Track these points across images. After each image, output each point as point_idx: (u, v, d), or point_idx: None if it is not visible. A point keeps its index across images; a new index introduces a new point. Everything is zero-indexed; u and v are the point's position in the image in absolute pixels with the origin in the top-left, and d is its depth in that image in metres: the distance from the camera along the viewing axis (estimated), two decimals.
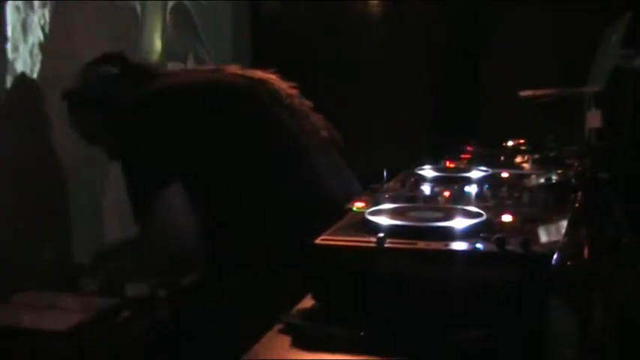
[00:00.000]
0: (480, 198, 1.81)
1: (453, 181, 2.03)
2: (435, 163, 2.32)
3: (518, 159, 2.51)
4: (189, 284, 2.42)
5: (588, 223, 1.13)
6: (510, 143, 2.93)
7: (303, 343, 1.32)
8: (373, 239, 1.38)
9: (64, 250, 2.72)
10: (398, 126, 4.22)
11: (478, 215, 1.51)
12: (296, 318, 1.40)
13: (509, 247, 1.33)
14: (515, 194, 1.84)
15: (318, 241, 1.42)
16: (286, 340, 1.34)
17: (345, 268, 1.39)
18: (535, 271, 1.27)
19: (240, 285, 2.15)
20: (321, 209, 1.73)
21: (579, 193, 1.19)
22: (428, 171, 2.13)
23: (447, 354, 1.23)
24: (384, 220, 1.48)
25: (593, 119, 2.59)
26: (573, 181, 1.22)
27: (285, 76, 2.40)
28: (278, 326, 1.38)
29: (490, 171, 2.15)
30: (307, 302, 1.48)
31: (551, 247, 1.29)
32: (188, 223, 2.26)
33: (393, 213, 1.55)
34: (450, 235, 1.41)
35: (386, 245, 1.37)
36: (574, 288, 1.08)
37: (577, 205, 1.12)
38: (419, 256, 1.35)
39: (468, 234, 1.41)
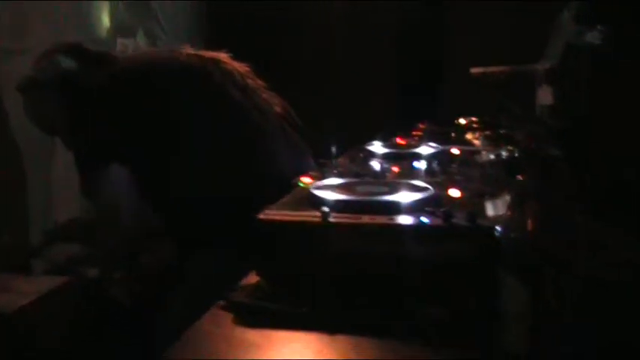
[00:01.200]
0: (428, 173, 1.79)
1: (402, 157, 2.01)
2: (386, 140, 2.29)
3: (469, 136, 2.50)
4: (144, 264, 2.38)
5: (534, 197, 1.11)
6: (463, 121, 2.92)
7: (245, 320, 1.28)
8: (318, 214, 1.35)
9: (19, 233, 2.66)
10: (356, 105, 4.19)
11: (425, 190, 1.49)
12: (239, 295, 1.36)
13: (455, 221, 1.31)
14: (465, 170, 1.83)
15: (261, 216, 1.39)
16: (229, 317, 1.31)
17: (288, 243, 1.35)
18: (481, 244, 1.25)
19: (196, 265, 2.12)
20: (275, 188, 1.70)
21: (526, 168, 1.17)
22: (377, 147, 2.11)
23: (394, 328, 1.21)
24: (329, 195, 1.45)
25: (545, 96, 2.58)
26: (520, 155, 1.20)
27: (239, 57, 2.36)
28: (221, 303, 1.35)
29: (440, 147, 2.13)
30: (252, 279, 1.45)
31: (497, 220, 1.27)
32: (139, 203, 2.22)
33: (338, 188, 1.52)
34: (395, 209, 1.38)
35: (330, 220, 1.33)
36: (521, 261, 1.06)
37: (523, 178, 1.10)
38: (364, 231, 1.32)
39: (414, 208, 1.39)
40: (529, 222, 1.07)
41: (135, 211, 2.22)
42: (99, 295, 2.20)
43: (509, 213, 1.09)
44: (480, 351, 1.08)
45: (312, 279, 1.34)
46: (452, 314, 1.22)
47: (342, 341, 1.19)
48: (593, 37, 2.13)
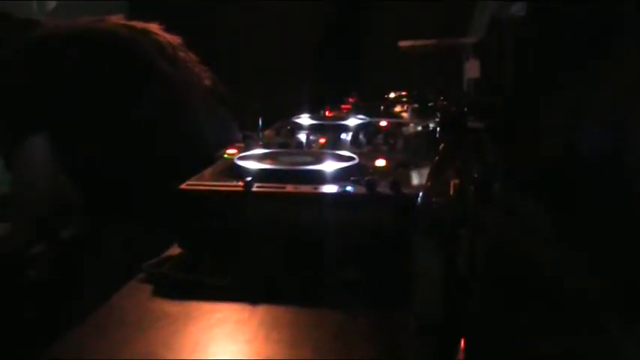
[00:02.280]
0: (355, 145, 1.78)
1: (329, 129, 1.99)
2: (314, 113, 2.28)
3: (398, 108, 2.50)
4: (62, 239, 2.31)
5: (452, 165, 1.10)
6: (392, 95, 2.92)
7: (165, 291, 1.25)
8: (240, 184, 1.33)
9: None
10: (282, 80, 4.16)
11: (349, 159, 1.48)
12: (158, 267, 1.33)
13: (378, 189, 1.30)
14: (391, 141, 1.82)
15: (183, 186, 1.35)
16: (148, 288, 1.28)
17: (211, 214, 1.33)
18: (404, 212, 1.24)
19: (114, 239, 2.08)
20: (198, 161, 1.67)
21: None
22: (305, 119, 2.09)
23: (317, 297, 1.20)
24: (252, 165, 1.42)
25: (472, 69, 2.60)
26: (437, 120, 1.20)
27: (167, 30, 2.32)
28: (140, 275, 1.31)
29: (367, 119, 2.12)
30: (173, 251, 1.42)
31: (420, 189, 1.26)
32: (58, 176, 2.17)
33: (262, 158, 1.49)
34: (319, 178, 1.37)
35: (253, 189, 1.31)
36: (440, 227, 1.06)
37: (442, 146, 1.09)
38: (287, 200, 1.30)
39: (338, 177, 1.37)
40: (447, 188, 1.07)
41: (53, 184, 2.17)
42: (15, 269, 2.14)
43: (429, 180, 1.09)
44: (396, 315, 1.08)
45: (235, 249, 1.31)
46: (371, 279, 1.21)
47: (263, 312, 1.17)
48: (515, 9, 2.15)
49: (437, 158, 1.09)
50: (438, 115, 1.12)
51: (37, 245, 2.22)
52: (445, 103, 1.17)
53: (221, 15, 4.29)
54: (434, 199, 1.08)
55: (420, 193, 1.09)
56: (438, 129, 1.14)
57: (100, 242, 2.15)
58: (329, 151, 1.56)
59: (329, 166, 1.41)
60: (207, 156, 1.84)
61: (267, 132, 1.94)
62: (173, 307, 1.21)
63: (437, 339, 1.06)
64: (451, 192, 1.08)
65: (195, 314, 1.17)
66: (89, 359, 1.02)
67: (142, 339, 1.07)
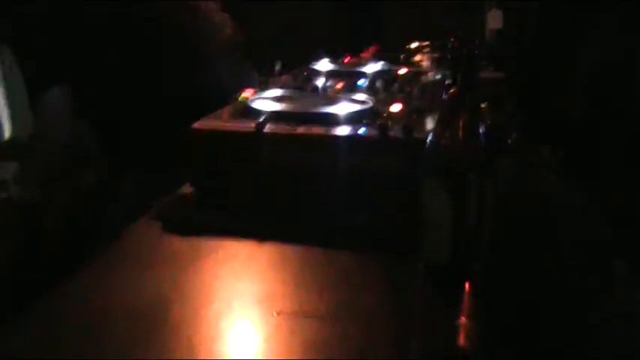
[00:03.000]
0: (371, 91, 1.75)
1: (347, 75, 1.97)
2: (333, 59, 2.25)
3: (418, 58, 2.46)
4: (85, 186, 2.33)
5: (463, 108, 1.08)
6: (414, 45, 2.88)
7: (174, 229, 1.26)
8: (252, 124, 1.32)
9: None
10: (305, 29, 4.12)
11: (364, 103, 1.46)
12: (169, 206, 1.33)
13: (390, 133, 1.28)
14: (408, 89, 1.80)
15: (195, 125, 1.35)
16: (158, 227, 1.28)
17: (223, 153, 1.32)
18: (415, 156, 1.23)
19: (131, 183, 2.10)
20: (214, 104, 1.67)
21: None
22: (322, 65, 2.07)
23: (325, 238, 1.19)
24: (266, 106, 1.41)
25: (494, 20, 2.55)
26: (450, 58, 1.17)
27: None
28: (150, 214, 1.32)
29: (386, 67, 2.10)
30: (185, 190, 1.42)
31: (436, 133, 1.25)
32: (77, 123, 2.18)
33: (276, 100, 1.48)
34: (332, 120, 1.35)
35: (265, 130, 1.30)
36: (449, 171, 1.05)
37: (453, 90, 1.08)
38: (299, 141, 1.29)
39: (351, 120, 1.36)
40: (458, 132, 1.05)
41: (73, 132, 2.18)
42: (33, 214, 2.15)
43: (438, 123, 1.07)
44: (404, 257, 1.07)
45: (246, 189, 1.31)
46: (380, 222, 1.21)
47: (271, 250, 1.17)
48: None
49: (447, 101, 1.08)
50: (449, 56, 1.10)
51: (54, 191, 2.24)
52: (457, 44, 1.15)
53: None
54: (443, 142, 1.06)
55: (429, 136, 1.08)
56: (449, 71, 1.13)
57: (120, 187, 2.17)
58: (343, 95, 1.54)
59: (342, 109, 1.39)
60: (224, 100, 1.83)
61: (284, 77, 1.92)
62: (181, 244, 1.21)
63: (443, 281, 1.06)
64: (460, 136, 1.07)
65: (203, 252, 1.18)
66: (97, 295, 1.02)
67: (147, 278, 1.07)
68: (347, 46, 3.01)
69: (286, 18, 4.18)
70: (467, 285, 1.05)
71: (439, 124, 1.07)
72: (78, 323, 0.92)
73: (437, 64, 2.32)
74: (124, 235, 1.23)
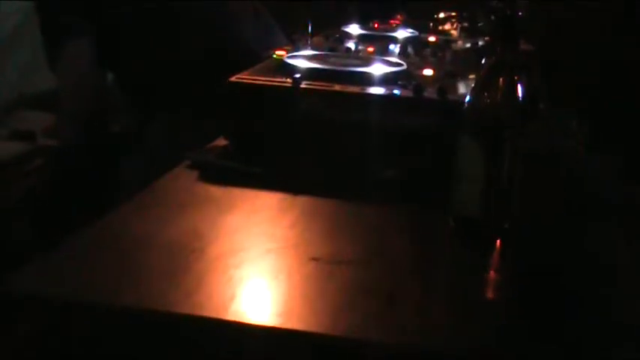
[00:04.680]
0: (403, 55, 1.78)
1: (377, 39, 1.99)
2: (363, 24, 2.27)
3: (447, 26, 2.48)
4: (112, 133, 2.37)
5: (503, 69, 1.11)
6: (442, 15, 2.89)
7: (209, 176, 1.29)
8: (289, 80, 1.35)
9: None
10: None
11: (398, 65, 1.49)
12: (204, 154, 1.37)
13: (425, 94, 1.31)
14: (439, 54, 1.82)
15: (233, 78, 1.38)
16: (192, 174, 1.32)
17: (259, 107, 1.35)
18: (449, 117, 1.25)
19: (162, 131, 2.13)
20: (246, 60, 1.69)
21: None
22: (353, 28, 2.09)
23: (357, 192, 1.23)
24: (301, 63, 1.44)
25: None
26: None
27: None
28: (184, 162, 1.35)
29: (417, 33, 2.12)
30: (219, 142, 1.45)
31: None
32: (101, 73, 2.21)
33: (312, 58, 1.51)
34: (367, 80, 1.38)
35: (302, 86, 1.33)
36: (488, 128, 1.08)
37: (494, 56, 1.10)
38: (334, 98, 1.32)
39: (386, 80, 1.39)
40: (497, 92, 1.08)
41: (97, 81, 2.21)
42: (63, 162, 2.19)
43: (478, 82, 1.10)
44: (435, 212, 1.11)
45: (281, 143, 1.34)
46: (412, 179, 1.24)
47: (304, 202, 1.20)
48: None
49: (488, 61, 1.10)
50: (492, 17, 1.12)
51: (83, 139, 2.27)
52: (500, 5, 1.17)
53: None
54: (482, 101, 1.09)
55: (467, 95, 1.10)
56: (490, 32, 1.15)
57: (148, 136, 2.20)
58: (377, 57, 1.56)
59: (377, 69, 1.42)
60: (252, 55, 1.86)
61: (315, 38, 1.94)
62: (217, 191, 1.25)
63: (473, 234, 1.09)
64: (499, 96, 1.09)
65: (239, 200, 1.21)
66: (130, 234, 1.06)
67: (184, 217, 1.11)
68: (374, 13, 3.02)
69: None
70: (497, 241, 1.08)
71: (479, 83, 1.10)
72: (114, 254, 0.96)
73: (466, 33, 2.34)
74: (159, 181, 1.27)
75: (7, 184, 2.00)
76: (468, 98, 1.08)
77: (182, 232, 1.04)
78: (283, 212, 1.17)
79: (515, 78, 1.07)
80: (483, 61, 1.11)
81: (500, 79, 1.08)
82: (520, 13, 1.08)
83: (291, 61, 1.45)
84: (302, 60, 1.47)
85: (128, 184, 2.08)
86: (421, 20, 2.73)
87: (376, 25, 2.36)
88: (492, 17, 1.12)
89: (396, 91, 1.32)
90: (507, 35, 1.08)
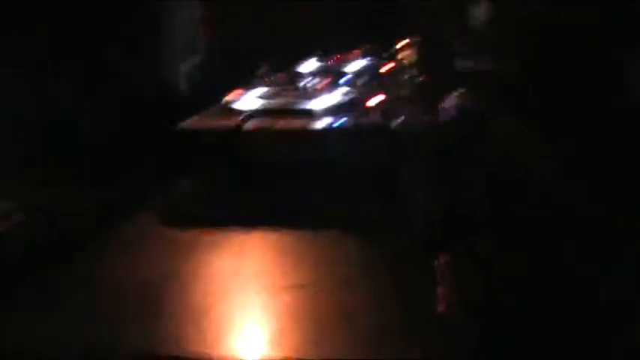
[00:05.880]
0: (355, 85, 1.81)
1: (334, 72, 2.02)
2: (325, 56, 2.30)
3: (407, 52, 2.50)
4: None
5: (438, 91, 1.13)
6: (406, 41, 2.92)
7: (167, 220, 1.32)
8: (235, 121, 1.38)
9: None
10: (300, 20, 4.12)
11: (346, 95, 1.52)
12: (166, 199, 1.40)
13: (371, 122, 1.34)
14: (392, 81, 1.85)
15: (182, 125, 1.41)
16: (155, 217, 1.34)
17: (209, 149, 1.38)
18: (395, 142, 1.28)
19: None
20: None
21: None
22: (312, 62, 2.12)
23: (308, 223, 1.25)
24: (249, 104, 1.47)
25: (483, 11, 2.59)
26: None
27: None
28: (151, 207, 1.38)
29: (371, 64, 2.15)
30: (181, 184, 1.48)
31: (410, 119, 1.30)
32: None
33: (260, 97, 1.54)
34: (312, 114, 1.41)
35: (246, 126, 1.36)
36: (421, 152, 1.09)
37: (423, 78, 1.13)
38: (278, 135, 1.34)
39: (331, 112, 1.41)
40: (428, 117, 1.10)
41: None
42: None
43: (413, 106, 1.12)
44: (384, 234, 1.13)
45: (234, 182, 1.36)
46: (359, 206, 1.26)
47: (258, 235, 1.23)
48: None
49: (421, 85, 1.13)
50: (423, 47, 1.15)
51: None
52: (431, 36, 1.21)
53: None
54: (415, 126, 1.11)
55: (402, 119, 1.13)
56: (423, 59, 1.18)
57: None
58: (326, 90, 1.59)
59: (322, 102, 1.44)
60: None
61: (274, 75, 1.97)
62: (179, 234, 1.27)
63: (422, 254, 1.10)
64: (429, 121, 1.12)
65: (199, 239, 1.24)
66: None
67: (142, 259, 1.12)
68: (341, 44, 3.04)
69: (282, 17, 4.19)
70: (442, 258, 1.10)
71: (411, 110, 1.12)
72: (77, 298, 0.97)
73: (424, 59, 2.36)
74: (123, 225, 1.29)
75: None
76: (405, 123, 1.10)
77: (143, 275, 1.06)
78: (242, 247, 1.19)
79: (441, 103, 1.09)
80: (419, 87, 1.14)
81: (431, 106, 1.10)
82: (446, 46, 1.12)
83: (239, 103, 1.48)
84: (251, 100, 1.50)
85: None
86: (384, 46, 2.76)
87: (336, 58, 2.39)
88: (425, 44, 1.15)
89: (339, 122, 1.34)
90: (439, 60, 1.11)
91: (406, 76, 1.98)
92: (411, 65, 2.21)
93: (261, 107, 1.40)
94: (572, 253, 1.16)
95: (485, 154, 1.42)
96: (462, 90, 1.50)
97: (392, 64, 2.19)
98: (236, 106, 1.45)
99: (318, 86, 1.83)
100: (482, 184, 1.17)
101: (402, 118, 1.36)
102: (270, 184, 1.29)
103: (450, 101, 1.15)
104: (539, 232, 1.24)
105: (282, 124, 1.33)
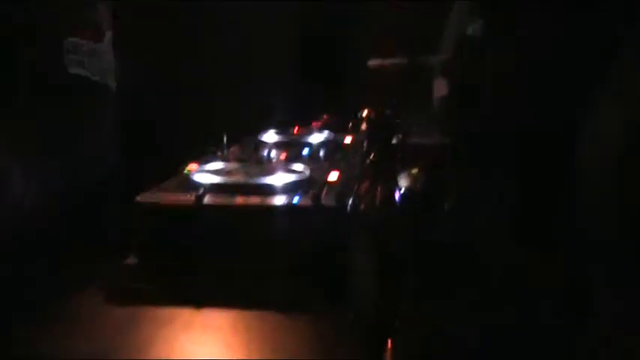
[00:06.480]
0: (314, 160, 1.84)
1: (292, 145, 2.05)
2: (283, 129, 2.34)
3: (364, 126, 2.55)
4: None
5: (381, 171, 1.16)
6: (365, 112, 2.96)
7: (115, 299, 1.31)
8: (192, 196, 1.39)
9: None
10: (258, 92, 4.17)
11: (300, 173, 1.54)
12: (112, 278, 1.39)
13: (322, 202, 1.36)
14: (350, 157, 1.88)
15: (138, 199, 1.41)
16: (101, 298, 1.33)
17: (164, 226, 1.39)
18: (333, 220, 1.30)
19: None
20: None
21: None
22: (269, 136, 2.15)
23: (267, 303, 1.26)
24: (206, 178, 1.48)
25: (440, 88, 2.65)
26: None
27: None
28: (94, 286, 1.37)
29: (332, 136, 2.19)
30: (129, 261, 1.47)
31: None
32: None
33: (217, 172, 1.56)
34: (268, 191, 1.43)
35: (204, 202, 1.37)
36: (369, 234, 1.12)
37: (370, 159, 1.16)
38: (235, 212, 1.36)
39: (287, 190, 1.43)
40: (375, 198, 1.13)
41: None
42: None
43: (358, 189, 1.15)
44: (334, 317, 1.14)
45: (187, 259, 1.37)
46: (312, 284, 1.27)
47: (207, 314, 1.23)
48: (474, 30, 2.22)
49: (365, 167, 1.16)
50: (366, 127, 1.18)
51: None
52: (372, 114, 1.25)
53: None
54: (361, 208, 1.14)
55: (350, 201, 1.15)
56: (365, 140, 1.21)
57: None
58: (282, 166, 1.62)
59: (279, 179, 1.47)
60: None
61: (232, 148, 2.00)
62: (124, 312, 1.26)
63: (370, 338, 1.12)
64: (377, 202, 1.14)
65: (144, 319, 1.23)
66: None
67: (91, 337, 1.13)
68: (300, 115, 3.09)
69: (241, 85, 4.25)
70: (389, 342, 1.12)
71: (358, 191, 1.15)
72: None
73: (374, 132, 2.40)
74: (67, 305, 1.28)
75: None
76: (350, 204, 1.13)
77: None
78: (186, 328, 1.19)
79: (393, 183, 1.12)
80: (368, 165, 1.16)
81: (378, 186, 1.13)
82: (392, 123, 1.15)
83: (195, 177, 1.49)
84: (207, 174, 1.52)
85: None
86: (343, 119, 2.81)
87: (296, 129, 2.43)
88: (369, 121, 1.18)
89: (294, 200, 1.36)
90: (381, 144, 1.14)
91: (359, 153, 2.02)
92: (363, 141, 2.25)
93: (218, 182, 1.41)
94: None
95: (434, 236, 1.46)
96: (412, 169, 1.55)
97: (352, 137, 2.23)
98: (194, 179, 1.46)
99: (278, 161, 1.86)
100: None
101: (353, 197, 1.38)
102: (224, 261, 1.30)
103: (400, 181, 1.19)
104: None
105: (239, 200, 1.34)
